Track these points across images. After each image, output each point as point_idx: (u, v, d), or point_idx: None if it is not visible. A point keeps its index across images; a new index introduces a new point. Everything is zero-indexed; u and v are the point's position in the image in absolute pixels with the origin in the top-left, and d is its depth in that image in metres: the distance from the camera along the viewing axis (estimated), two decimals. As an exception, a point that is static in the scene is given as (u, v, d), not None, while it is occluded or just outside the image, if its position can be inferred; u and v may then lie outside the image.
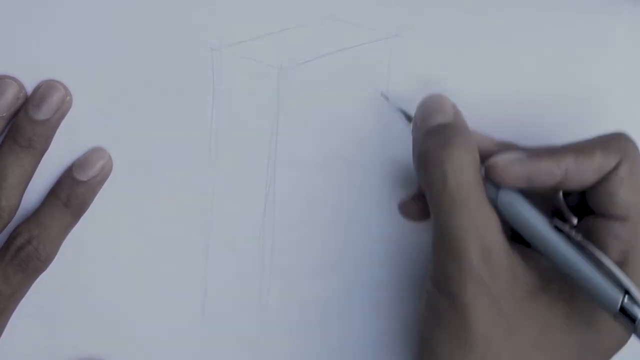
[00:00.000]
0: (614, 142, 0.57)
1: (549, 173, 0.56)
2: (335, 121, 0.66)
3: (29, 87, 0.63)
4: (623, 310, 0.52)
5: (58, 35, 0.63)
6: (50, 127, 0.63)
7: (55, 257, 0.65)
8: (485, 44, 0.66)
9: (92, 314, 0.67)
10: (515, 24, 0.66)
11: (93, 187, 0.64)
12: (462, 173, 0.56)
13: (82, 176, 0.64)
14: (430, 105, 0.61)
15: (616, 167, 0.56)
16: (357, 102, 0.66)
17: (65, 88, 0.64)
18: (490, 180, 0.57)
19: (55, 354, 0.68)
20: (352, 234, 0.68)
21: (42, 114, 0.62)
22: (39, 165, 0.64)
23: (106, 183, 0.65)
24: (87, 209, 0.65)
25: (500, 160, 0.57)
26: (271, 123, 0.66)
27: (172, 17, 0.64)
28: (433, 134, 0.58)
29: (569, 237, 0.55)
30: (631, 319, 0.52)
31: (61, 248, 0.65)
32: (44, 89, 0.63)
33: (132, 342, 0.68)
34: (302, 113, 0.66)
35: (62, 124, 0.64)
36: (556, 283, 0.57)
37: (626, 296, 0.53)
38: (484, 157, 0.58)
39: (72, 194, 0.64)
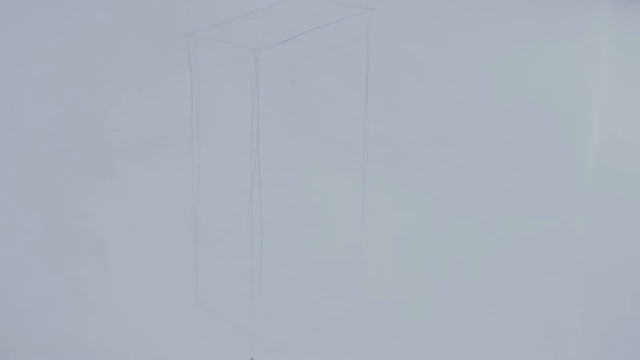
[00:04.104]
0: None
1: None
2: (317, 101, 0.66)
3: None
4: None
5: (38, 23, 0.63)
6: None
7: (44, 248, 0.65)
8: (465, 13, 0.66)
9: (84, 305, 0.68)
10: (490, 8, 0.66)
11: None
12: None
13: None
14: None
15: None
16: (338, 79, 0.66)
17: None
18: None
19: (48, 344, 0.68)
20: (338, 212, 0.68)
21: None
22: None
23: (88, 176, 0.65)
24: None
25: None
26: (251, 105, 0.65)
27: (145, 6, 0.63)
28: None
29: None
30: None
31: (48, 240, 0.65)
32: None
33: (126, 331, 0.68)
34: (282, 93, 0.65)
35: (48, 115, 0.64)
36: None
37: None
38: None
39: None
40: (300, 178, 0.67)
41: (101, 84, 0.64)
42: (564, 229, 0.68)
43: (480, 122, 0.66)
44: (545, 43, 0.65)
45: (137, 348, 0.69)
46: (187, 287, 0.68)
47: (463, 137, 0.67)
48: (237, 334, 0.69)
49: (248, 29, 0.64)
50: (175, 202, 0.67)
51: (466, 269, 0.69)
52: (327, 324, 0.70)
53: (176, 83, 0.64)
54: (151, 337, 0.69)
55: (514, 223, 0.68)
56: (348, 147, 0.67)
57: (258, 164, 0.66)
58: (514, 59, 0.66)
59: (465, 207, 0.68)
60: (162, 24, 0.64)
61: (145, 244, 0.67)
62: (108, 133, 0.65)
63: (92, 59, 0.64)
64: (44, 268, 0.67)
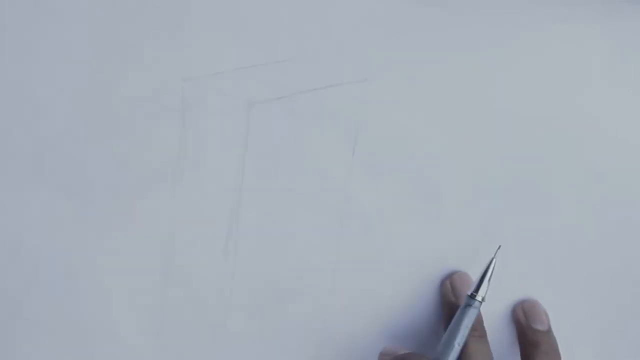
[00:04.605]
0: None
1: None
2: (302, 161, 0.66)
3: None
4: None
5: (35, 61, 0.63)
6: None
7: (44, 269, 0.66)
8: (455, 85, 0.66)
9: (74, 321, 0.68)
10: (486, 55, 0.66)
11: None
12: None
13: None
14: None
15: None
16: (327, 142, 0.66)
17: None
18: None
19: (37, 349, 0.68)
20: (312, 280, 0.68)
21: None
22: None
23: (76, 211, 0.65)
24: None
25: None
26: (238, 159, 0.66)
27: (146, 45, 0.64)
28: None
29: None
30: None
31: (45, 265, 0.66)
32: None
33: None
34: (270, 150, 0.66)
35: (39, 139, 0.64)
36: None
37: None
38: None
39: None
40: (278, 239, 0.67)
41: (91, 117, 0.64)
42: (563, 228, 0.69)
43: (478, 123, 0.67)
44: (539, 44, 0.66)
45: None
46: (152, 326, 0.68)
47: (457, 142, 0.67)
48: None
49: (243, 81, 0.64)
50: (149, 251, 0.67)
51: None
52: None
53: (166, 125, 0.65)
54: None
55: (514, 223, 0.68)
56: (329, 212, 0.67)
57: (237, 219, 0.66)
58: (511, 59, 0.66)
59: (465, 209, 0.68)
60: (160, 65, 0.64)
61: (119, 279, 0.67)
62: (92, 170, 0.65)
63: (85, 94, 0.64)
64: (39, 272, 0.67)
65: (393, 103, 0.66)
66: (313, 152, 0.66)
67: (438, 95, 0.66)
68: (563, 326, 0.69)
